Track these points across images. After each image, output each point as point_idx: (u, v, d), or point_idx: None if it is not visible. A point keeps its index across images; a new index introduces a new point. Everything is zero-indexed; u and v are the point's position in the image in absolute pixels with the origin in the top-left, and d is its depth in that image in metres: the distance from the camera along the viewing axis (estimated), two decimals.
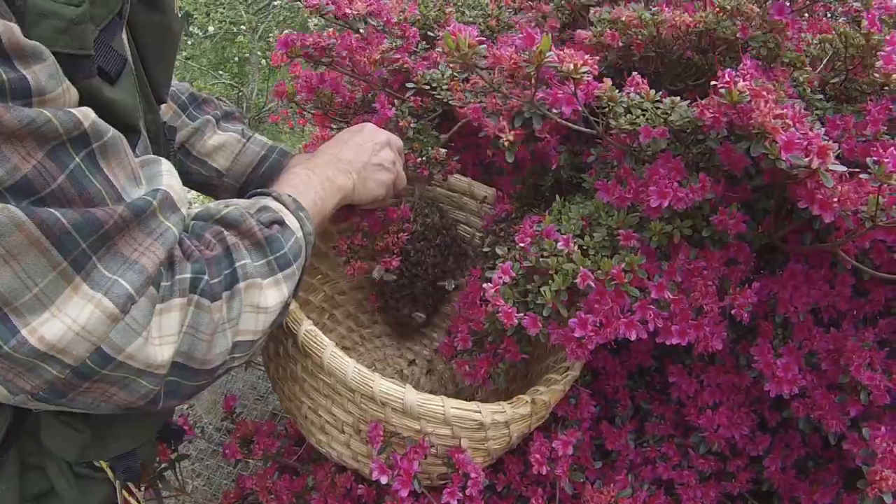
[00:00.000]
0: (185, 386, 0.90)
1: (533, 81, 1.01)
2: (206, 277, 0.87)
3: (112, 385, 0.82)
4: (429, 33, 1.46)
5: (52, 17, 0.72)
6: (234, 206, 0.98)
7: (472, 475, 1.14)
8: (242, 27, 6.22)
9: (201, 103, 1.39)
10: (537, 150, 1.27)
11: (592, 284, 1.02)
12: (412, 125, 1.35)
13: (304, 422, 1.26)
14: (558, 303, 1.05)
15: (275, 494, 1.38)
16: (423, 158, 1.37)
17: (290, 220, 1.03)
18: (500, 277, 1.09)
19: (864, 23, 1.09)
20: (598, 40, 1.21)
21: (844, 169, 0.89)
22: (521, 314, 1.06)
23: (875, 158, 0.87)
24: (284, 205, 1.04)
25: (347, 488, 1.31)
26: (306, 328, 1.12)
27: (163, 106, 1.31)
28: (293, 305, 1.15)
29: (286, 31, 1.38)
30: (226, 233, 0.94)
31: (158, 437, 1.23)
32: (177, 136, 1.33)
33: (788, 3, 1.08)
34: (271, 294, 0.96)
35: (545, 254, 1.07)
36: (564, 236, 1.07)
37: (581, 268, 1.03)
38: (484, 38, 1.01)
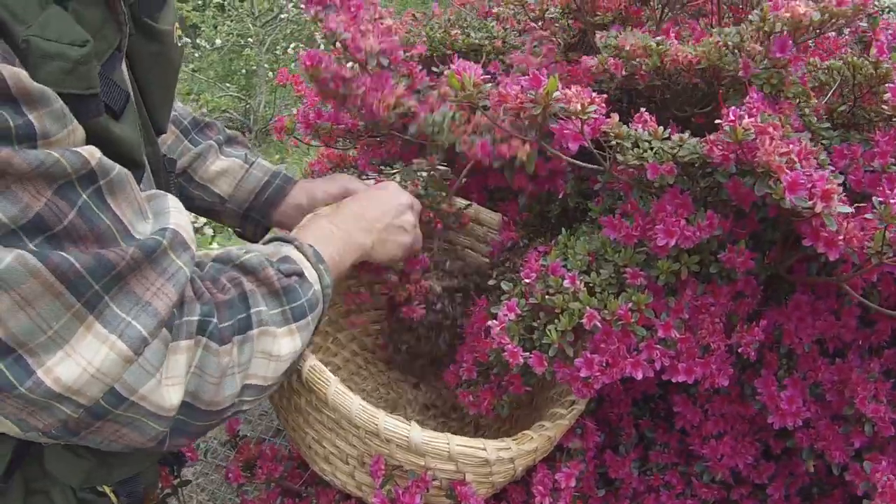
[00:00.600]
0: (192, 426, 0.90)
1: (540, 121, 1.01)
2: (214, 321, 0.88)
3: (124, 426, 0.82)
4: (433, 66, 1.46)
5: (57, 59, 0.73)
6: (255, 253, 1.00)
7: None
8: (250, 39, 6.23)
9: (204, 128, 1.39)
10: (540, 180, 1.27)
11: (599, 325, 1.02)
12: (419, 186, 1.36)
13: (307, 451, 1.26)
14: (564, 343, 1.05)
15: None
16: (434, 214, 1.38)
17: (310, 273, 1.04)
18: (506, 315, 1.09)
19: (874, 51, 1.09)
20: (602, 67, 1.22)
21: (850, 210, 0.89)
22: (527, 353, 1.07)
23: (881, 199, 0.88)
24: (306, 256, 1.06)
25: None
26: (311, 364, 1.12)
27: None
28: None
29: (295, 44, 1.38)
30: (243, 278, 0.96)
31: (161, 461, 1.23)
32: (179, 161, 1.33)
33: (791, 40, 1.07)
34: (285, 343, 0.97)
35: (551, 291, 1.07)
36: (570, 273, 1.07)
37: (587, 308, 1.03)
38: (488, 76, 1.01)
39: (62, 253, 0.72)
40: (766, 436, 1.33)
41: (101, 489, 1.06)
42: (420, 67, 1.37)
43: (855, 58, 1.11)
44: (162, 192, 0.92)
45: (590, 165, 1.07)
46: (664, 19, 1.47)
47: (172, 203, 0.89)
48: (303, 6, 1.33)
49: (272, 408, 2.62)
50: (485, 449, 1.12)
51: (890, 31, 1.25)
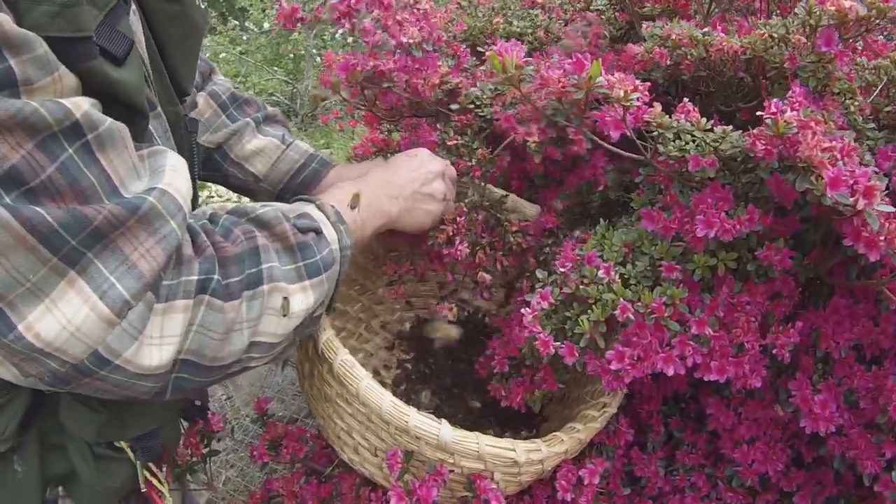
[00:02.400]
0: (196, 381, 0.92)
1: (583, 107, 1.02)
2: (216, 277, 0.88)
3: (114, 386, 0.84)
4: (478, 48, 1.47)
5: (44, 3, 0.73)
6: (272, 208, 1.01)
7: (493, 503, 1.15)
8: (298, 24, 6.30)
9: (242, 104, 1.41)
10: (578, 173, 1.29)
11: (632, 317, 1.03)
12: (459, 142, 1.36)
13: (336, 440, 1.28)
14: (596, 333, 1.06)
15: (300, 499, 1.41)
16: (472, 160, 1.36)
17: (329, 231, 1.04)
18: (539, 303, 1.10)
19: None
20: (648, 57, 1.23)
21: (893, 210, 0.88)
22: (559, 343, 1.08)
23: None
24: (326, 215, 1.07)
25: (371, 502, 1.33)
26: (342, 358, 1.14)
27: (201, 103, 1.34)
28: (330, 333, 1.17)
29: (343, 30, 1.40)
30: (257, 232, 0.96)
31: (183, 415, 1.27)
32: (215, 136, 1.35)
33: (837, 34, 1.07)
34: (296, 300, 0.97)
35: (585, 281, 1.08)
36: (606, 264, 1.08)
37: (621, 299, 1.04)
38: (530, 59, 1.02)
39: (35, 207, 0.72)
40: (799, 443, 1.33)
41: (118, 444, 1.09)
42: (464, 47, 1.38)
43: None
44: (163, 148, 0.92)
45: (630, 154, 1.07)
46: (712, 13, 1.48)
47: (171, 161, 0.89)
48: (335, 21, 1.33)
49: None
50: (514, 450, 1.13)
51: None
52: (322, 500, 1.41)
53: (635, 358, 1.06)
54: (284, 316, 0.96)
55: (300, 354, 1.36)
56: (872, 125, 1.14)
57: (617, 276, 1.07)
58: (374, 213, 1.19)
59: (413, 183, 1.26)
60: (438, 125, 1.37)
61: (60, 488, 1.13)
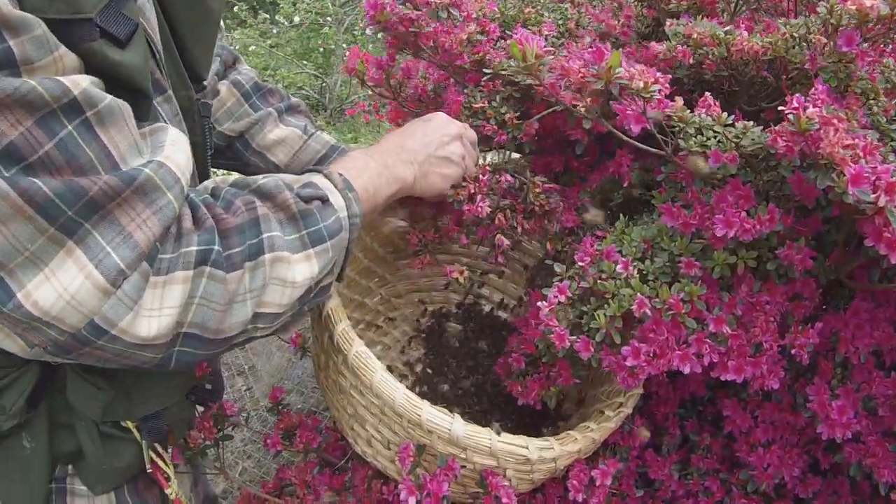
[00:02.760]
0: (199, 354, 0.93)
1: (602, 97, 1.03)
2: (216, 248, 0.89)
3: (115, 355, 0.87)
4: (506, 32, 1.47)
5: None
6: (273, 178, 1.01)
7: (505, 500, 1.14)
8: (328, 18, 6.35)
9: (265, 93, 1.42)
10: (603, 169, 1.28)
11: (649, 313, 1.03)
12: (486, 105, 1.35)
13: (350, 431, 1.29)
14: (612, 329, 1.06)
15: (312, 489, 1.41)
16: (498, 122, 1.34)
17: (336, 199, 1.04)
18: (556, 297, 1.10)
19: None
20: (670, 55, 1.23)
21: None
22: (574, 337, 1.08)
23: None
24: (333, 183, 1.06)
25: (382, 496, 1.34)
26: (357, 349, 1.14)
27: (223, 91, 1.36)
28: (345, 324, 1.17)
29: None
30: (258, 202, 0.97)
31: (193, 398, 1.27)
32: (237, 125, 1.36)
33: (859, 34, 1.07)
34: (300, 269, 0.97)
35: (603, 276, 1.08)
36: (624, 259, 1.08)
37: (638, 294, 1.04)
38: (552, 49, 1.02)
39: (32, 178, 0.74)
40: (816, 449, 1.32)
41: (125, 424, 1.12)
42: (494, 25, 1.39)
43: None
44: (164, 125, 0.93)
45: (650, 149, 1.07)
46: (739, 12, 1.47)
47: (171, 137, 0.91)
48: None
49: None
50: (527, 447, 1.13)
51: None
52: (334, 490, 1.42)
53: (651, 354, 1.05)
54: (288, 286, 0.97)
55: (316, 346, 1.37)
56: (894, 125, 1.13)
57: (635, 272, 1.07)
58: (388, 180, 1.17)
59: (428, 147, 1.24)
60: (465, 90, 1.37)
61: (70, 467, 1.14)
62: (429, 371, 1.64)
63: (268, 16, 6.63)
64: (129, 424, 1.12)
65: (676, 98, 1.03)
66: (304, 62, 6.54)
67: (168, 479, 1.18)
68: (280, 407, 1.59)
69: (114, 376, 1.07)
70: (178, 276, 0.86)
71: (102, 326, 0.82)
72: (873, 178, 0.86)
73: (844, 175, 0.87)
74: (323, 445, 1.50)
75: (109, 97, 0.80)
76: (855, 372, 1.20)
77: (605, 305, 1.06)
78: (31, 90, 0.72)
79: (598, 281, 1.08)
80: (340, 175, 1.08)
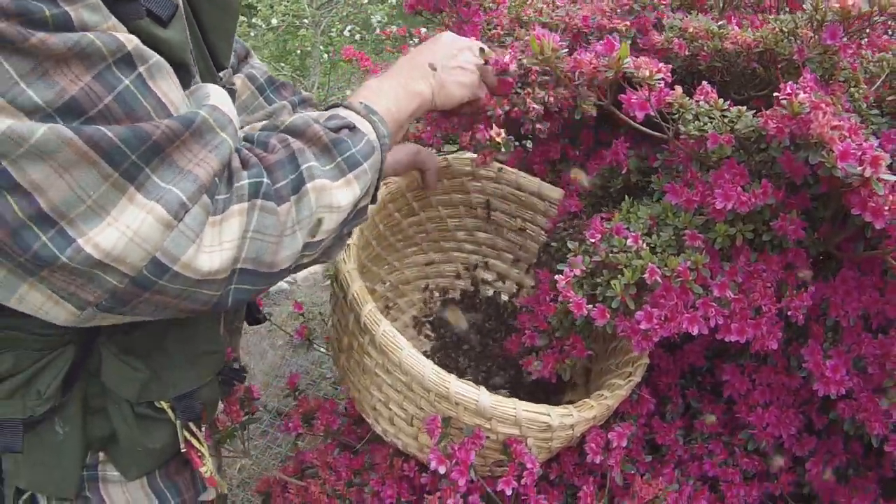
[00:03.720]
0: (254, 290, 0.97)
1: (611, 83, 1.14)
2: (266, 181, 0.94)
3: (173, 297, 0.89)
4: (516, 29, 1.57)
5: None
6: (299, 116, 1.06)
7: (529, 465, 1.24)
8: (305, 21, 6.42)
9: (279, 87, 1.48)
10: (601, 158, 1.40)
11: (659, 280, 1.15)
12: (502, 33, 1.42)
13: (371, 412, 1.37)
14: (627, 295, 1.17)
15: (333, 470, 1.51)
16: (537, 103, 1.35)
17: (362, 124, 1.09)
18: (571, 270, 1.22)
19: None
20: (667, 46, 1.35)
21: (895, 179, 1.01)
22: (591, 306, 1.19)
23: None
24: (355, 111, 1.11)
25: (404, 472, 1.43)
26: (384, 328, 1.23)
27: (238, 84, 1.40)
28: (371, 306, 1.26)
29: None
30: (290, 139, 1.01)
31: (221, 378, 1.30)
32: (252, 118, 1.41)
33: (842, 28, 1.20)
34: (341, 194, 1.02)
35: (615, 250, 1.20)
36: (633, 233, 1.20)
37: (650, 263, 1.15)
38: (565, 44, 1.14)
39: (97, 126, 0.78)
40: (810, 410, 1.44)
41: (159, 405, 1.15)
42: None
43: None
44: (204, 84, 0.98)
45: (653, 132, 1.20)
46: (726, 8, 1.60)
47: (213, 90, 0.95)
48: None
49: (320, 378, 2.77)
50: (549, 415, 1.22)
51: None
52: (355, 471, 1.51)
53: (663, 318, 1.17)
54: (334, 211, 1.01)
55: (337, 331, 1.45)
56: (876, 111, 1.25)
57: (644, 245, 1.19)
58: (406, 97, 1.23)
59: (441, 59, 1.29)
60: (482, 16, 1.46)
61: (101, 454, 1.17)
62: (439, 354, 1.74)
63: (245, 19, 6.70)
64: (164, 405, 1.15)
65: (676, 87, 1.15)
66: (282, 64, 6.61)
67: (202, 457, 1.22)
68: (296, 393, 1.70)
69: (147, 356, 1.11)
70: (234, 209, 0.90)
71: (164, 262, 0.84)
72: (859, 153, 0.99)
73: (834, 152, 1.00)
74: (342, 428, 1.60)
75: (157, 55, 0.86)
76: (845, 334, 1.32)
77: (619, 275, 1.18)
78: (89, 44, 0.77)
79: (611, 254, 1.20)
80: (361, 103, 1.13)
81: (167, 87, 0.87)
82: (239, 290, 0.95)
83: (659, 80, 1.11)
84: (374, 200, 1.15)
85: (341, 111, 1.11)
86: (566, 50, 1.13)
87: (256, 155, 0.98)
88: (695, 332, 1.18)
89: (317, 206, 0.99)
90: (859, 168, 0.98)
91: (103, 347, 1.08)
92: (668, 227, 1.23)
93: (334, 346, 1.49)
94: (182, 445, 1.20)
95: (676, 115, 1.16)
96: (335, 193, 1.01)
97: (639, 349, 1.22)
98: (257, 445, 2.65)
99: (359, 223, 1.13)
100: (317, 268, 4.23)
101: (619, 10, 1.47)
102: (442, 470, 1.23)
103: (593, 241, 1.24)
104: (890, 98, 1.29)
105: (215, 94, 0.94)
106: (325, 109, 1.15)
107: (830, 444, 1.46)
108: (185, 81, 0.95)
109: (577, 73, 1.13)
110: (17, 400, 1.05)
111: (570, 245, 1.30)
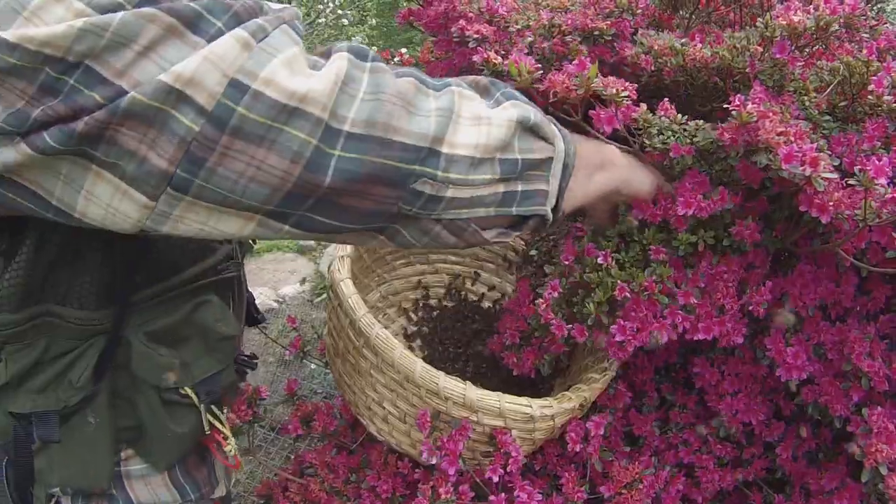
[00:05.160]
0: (367, 164, 0.82)
1: (581, 101, 1.26)
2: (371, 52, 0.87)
3: (256, 144, 0.76)
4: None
5: None
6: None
7: (513, 454, 1.38)
8: None
9: None
10: None
11: (628, 295, 1.29)
12: None
13: (366, 412, 1.50)
14: (601, 312, 1.31)
15: (332, 468, 1.64)
16: None
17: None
18: (550, 294, 1.36)
19: (864, 52, 1.32)
20: (635, 62, 1.48)
21: (835, 176, 1.13)
22: (570, 326, 1.34)
23: (860, 167, 1.11)
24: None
25: (398, 469, 1.57)
26: (377, 331, 1.37)
27: None
28: (365, 310, 1.39)
29: None
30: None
31: (235, 366, 1.32)
32: None
33: (790, 43, 1.33)
34: (496, 111, 0.96)
35: (587, 269, 1.34)
36: (603, 251, 1.33)
37: (619, 281, 1.29)
38: (540, 66, 1.27)
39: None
40: (777, 397, 1.58)
41: (184, 391, 1.17)
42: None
43: (851, 59, 1.35)
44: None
45: (622, 147, 1.31)
46: (692, 26, 1.74)
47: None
48: None
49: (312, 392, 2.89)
50: (530, 406, 1.36)
51: (888, 39, 1.49)
52: (352, 469, 1.65)
53: (635, 329, 1.31)
54: (483, 123, 0.92)
55: (332, 338, 1.58)
56: (828, 117, 1.37)
57: (613, 262, 1.32)
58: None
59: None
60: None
61: (125, 450, 1.20)
62: (428, 356, 1.88)
63: None
64: (188, 390, 1.18)
65: (641, 104, 1.28)
66: None
67: (226, 438, 1.28)
68: (294, 398, 1.83)
69: (171, 344, 1.15)
70: (335, 57, 0.83)
71: (244, 81, 0.74)
72: (801, 155, 1.12)
73: (779, 155, 1.12)
74: (339, 429, 1.74)
75: None
76: (805, 324, 1.44)
77: (592, 294, 1.32)
78: None
79: (584, 274, 1.34)
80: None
81: None
82: (346, 159, 0.80)
83: (625, 97, 1.24)
84: (556, 212, 1.06)
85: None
86: (541, 72, 1.26)
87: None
88: (665, 339, 1.31)
89: (458, 110, 0.90)
90: (801, 168, 1.11)
91: (132, 337, 1.11)
92: (635, 243, 1.35)
93: (330, 351, 1.62)
94: (206, 428, 1.23)
95: (641, 130, 1.29)
96: (485, 106, 0.95)
97: (615, 357, 1.37)
98: (251, 460, 2.75)
99: (533, 227, 1.05)
100: (305, 286, 4.36)
101: (599, 14, 1.58)
102: (433, 460, 1.37)
103: (567, 262, 1.38)
104: (842, 104, 1.41)
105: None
106: None
107: (800, 431, 1.59)
108: None
109: (552, 93, 1.25)
110: (49, 393, 1.08)
111: (547, 269, 1.45)
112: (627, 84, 1.24)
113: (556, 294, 1.37)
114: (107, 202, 0.78)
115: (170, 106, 0.73)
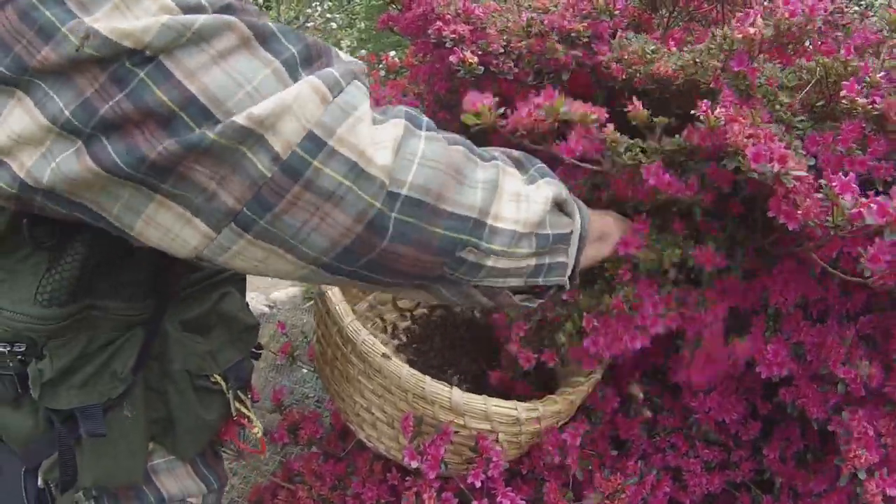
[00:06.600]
0: (418, 230, 0.86)
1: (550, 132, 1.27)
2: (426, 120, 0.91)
3: (325, 199, 0.79)
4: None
5: None
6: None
7: (494, 459, 1.40)
8: None
9: None
10: None
11: (597, 324, 1.33)
12: None
13: (355, 418, 1.54)
14: (572, 342, 1.37)
15: (318, 476, 1.68)
16: None
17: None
18: (517, 334, 1.43)
19: (842, 51, 1.34)
20: (607, 71, 1.51)
21: (805, 174, 1.13)
22: (538, 354, 1.41)
23: (825, 182, 1.13)
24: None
25: (384, 477, 1.61)
26: (364, 337, 1.41)
27: None
28: (352, 317, 1.43)
29: None
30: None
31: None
32: None
33: (748, 54, 1.33)
34: (533, 188, 1.02)
35: (555, 307, 1.39)
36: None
37: (585, 314, 1.34)
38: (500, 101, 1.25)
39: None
40: (754, 397, 1.61)
41: (213, 378, 1.24)
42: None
43: (827, 59, 1.36)
44: None
45: (594, 167, 1.34)
46: (671, 26, 1.77)
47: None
48: None
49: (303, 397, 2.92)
50: (516, 409, 1.40)
51: (862, 38, 1.52)
52: (338, 476, 1.69)
53: (609, 342, 1.35)
54: (522, 200, 0.97)
55: (321, 345, 1.62)
56: (802, 117, 1.38)
57: (579, 295, 1.37)
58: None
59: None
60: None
61: (150, 444, 1.24)
62: (415, 365, 1.91)
63: None
64: (218, 377, 1.24)
65: (608, 125, 1.29)
66: None
67: (251, 421, 1.34)
68: (281, 408, 1.88)
69: (204, 332, 1.23)
70: (392, 121, 0.86)
71: (320, 135, 0.76)
72: (769, 153, 1.13)
73: (747, 156, 1.14)
74: (325, 437, 1.78)
75: None
76: (784, 322, 1.46)
77: (562, 327, 1.37)
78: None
79: (550, 312, 1.39)
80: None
81: None
82: (401, 222, 0.84)
83: (595, 120, 1.24)
84: (573, 278, 1.12)
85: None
86: (503, 109, 1.24)
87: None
88: (638, 346, 1.34)
89: (503, 177, 0.96)
90: (769, 165, 1.12)
91: (169, 326, 1.18)
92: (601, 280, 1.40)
93: (319, 359, 1.66)
94: (234, 412, 1.29)
95: (610, 151, 1.30)
96: (524, 184, 1.01)
97: (590, 367, 1.42)
98: (245, 465, 2.79)
99: (553, 283, 1.09)
100: (296, 290, 4.40)
101: (577, 16, 1.61)
102: (414, 465, 1.39)
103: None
104: (819, 104, 1.43)
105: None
106: None
107: (788, 432, 1.62)
108: None
109: (519, 131, 1.25)
110: (91, 387, 1.09)
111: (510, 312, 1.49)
112: (594, 108, 1.25)
113: (521, 333, 1.44)
114: (167, 227, 0.80)
115: (246, 148, 0.74)
